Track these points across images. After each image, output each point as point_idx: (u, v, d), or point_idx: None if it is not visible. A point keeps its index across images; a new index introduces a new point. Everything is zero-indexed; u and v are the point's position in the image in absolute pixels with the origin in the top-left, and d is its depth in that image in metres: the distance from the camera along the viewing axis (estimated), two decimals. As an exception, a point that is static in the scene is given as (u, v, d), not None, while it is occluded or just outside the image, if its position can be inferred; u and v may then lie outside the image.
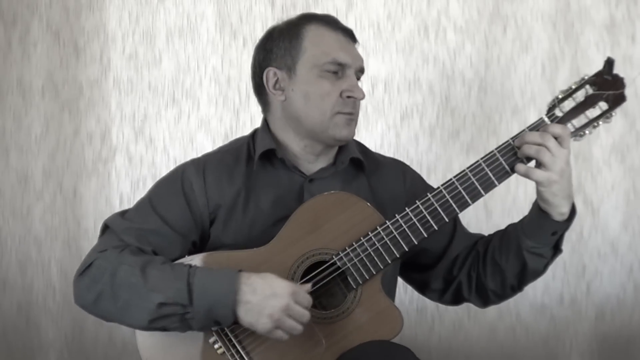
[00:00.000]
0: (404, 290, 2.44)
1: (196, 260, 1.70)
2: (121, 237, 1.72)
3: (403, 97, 2.65)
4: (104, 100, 2.71)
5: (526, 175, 1.64)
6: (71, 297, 2.74)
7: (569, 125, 1.66)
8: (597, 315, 2.65)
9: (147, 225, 1.73)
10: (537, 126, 1.67)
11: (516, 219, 2.47)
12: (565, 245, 2.60)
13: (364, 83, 2.64)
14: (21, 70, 2.72)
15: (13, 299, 2.75)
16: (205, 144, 2.67)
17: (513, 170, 1.68)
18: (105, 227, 1.77)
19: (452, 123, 2.64)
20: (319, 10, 2.63)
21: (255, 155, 1.78)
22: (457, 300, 1.91)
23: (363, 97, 1.77)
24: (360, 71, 1.81)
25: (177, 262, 1.69)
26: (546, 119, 1.66)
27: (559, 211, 1.67)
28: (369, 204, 1.71)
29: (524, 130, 1.67)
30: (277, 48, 1.78)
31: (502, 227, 2.74)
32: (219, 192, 1.76)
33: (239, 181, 1.78)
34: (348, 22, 2.63)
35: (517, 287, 1.82)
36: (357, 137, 2.63)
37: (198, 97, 2.69)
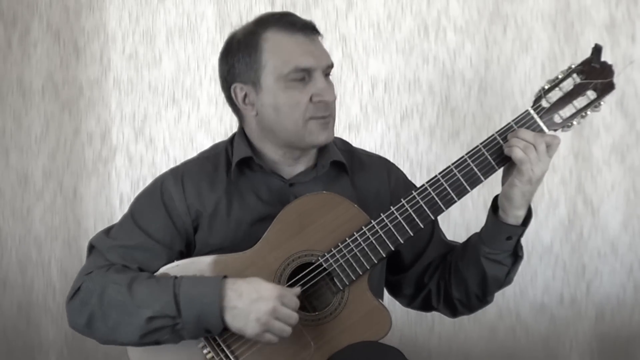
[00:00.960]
0: (404, 290, 2.44)
1: (181, 266, 1.69)
2: (106, 256, 1.72)
3: (403, 97, 2.65)
4: (104, 100, 2.71)
5: (520, 162, 1.60)
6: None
7: (556, 116, 1.63)
8: (597, 315, 2.65)
9: (131, 242, 1.73)
10: (523, 118, 1.64)
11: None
12: (565, 245, 2.64)
13: (364, 83, 2.64)
14: (21, 70, 2.72)
15: (13, 298, 2.75)
16: (205, 144, 2.64)
17: (499, 165, 1.65)
18: (92, 247, 1.77)
19: (452, 123, 2.64)
20: (318, 11, 2.63)
21: (232, 164, 1.77)
22: (425, 308, 1.90)
23: (334, 98, 1.71)
24: (329, 67, 1.73)
25: (162, 274, 1.69)
26: (532, 111, 1.64)
27: (516, 213, 1.66)
28: (354, 203, 1.70)
29: (509, 124, 1.65)
30: (238, 63, 1.73)
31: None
32: (199, 200, 1.76)
33: (220, 188, 1.77)
34: (348, 22, 2.65)
35: (482, 297, 1.80)
36: (357, 137, 2.64)
37: (198, 97, 2.69)
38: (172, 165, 2.62)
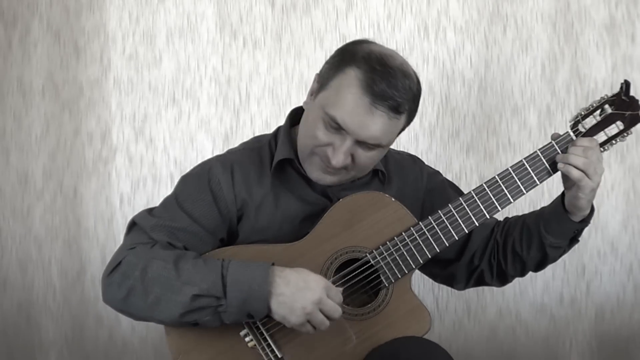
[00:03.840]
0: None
1: (228, 252, 1.70)
2: (150, 234, 1.71)
3: (403, 97, 2.65)
4: (104, 100, 2.71)
5: (579, 180, 1.70)
6: (71, 297, 2.75)
7: None
8: (596, 314, 2.66)
9: (176, 223, 1.72)
10: (564, 139, 1.75)
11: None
12: (565, 245, 2.64)
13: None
14: (21, 70, 2.71)
15: (13, 298, 2.75)
16: (205, 144, 2.67)
17: (550, 173, 1.76)
18: (133, 225, 1.76)
19: (452, 123, 2.65)
20: (318, 11, 2.63)
21: (273, 162, 1.78)
22: (479, 284, 1.97)
23: (338, 166, 1.68)
24: (370, 142, 1.67)
25: (209, 256, 1.69)
26: (572, 133, 1.75)
27: (582, 213, 1.77)
28: (402, 205, 1.74)
29: (550, 143, 1.75)
30: (326, 64, 1.74)
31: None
32: (247, 190, 1.76)
33: (267, 182, 1.78)
34: (348, 22, 2.65)
35: (535, 271, 1.92)
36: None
37: (198, 97, 2.69)
38: (172, 166, 2.65)
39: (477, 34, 2.63)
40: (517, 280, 1.98)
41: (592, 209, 1.79)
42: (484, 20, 2.63)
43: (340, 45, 2.61)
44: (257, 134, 1.91)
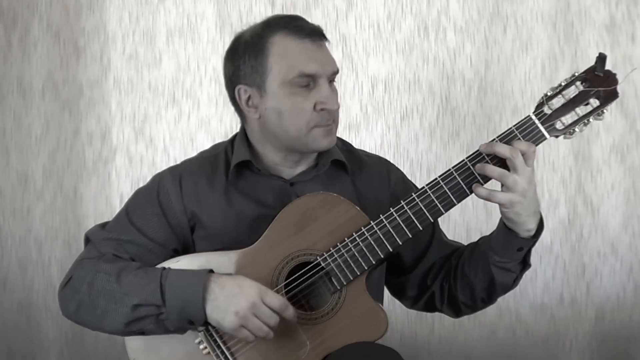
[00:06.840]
0: (404, 290, 2.45)
1: (182, 262, 1.70)
2: (99, 248, 1.75)
3: (403, 97, 2.65)
4: (104, 100, 2.71)
5: (487, 199, 1.60)
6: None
7: (557, 122, 1.61)
8: (597, 315, 2.66)
9: (124, 236, 1.75)
10: (525, 123, 1.62)
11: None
12: (565, 245, 2.64)
13: (364, 83, 2.65)
14: (21, 70, 2.72)
15: (13, 298, 2.75)
16: (205, 144, 2.65)
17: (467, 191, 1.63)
18: (87, 240, 1.80)
19: (452, 123, 2.65)
20: (318, 11, 2.63)
21: (231, 165, 1.77)
22: (429, 309, 1.90)
23: (338, 107, 1.72)
24: (334, 73, 1.74)
25: (155, 266, 1.70)
26: (533, 117, 1.62)
27: (525, 228, 1.64)
28: (354, 204, 1.70)
29: (510, 129, 1.62)
30: (243, 65, 1.72)
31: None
32: (196, 200, 1.77)
33: (219, 189, 1.77)
34: (348, 22, 2.65)
35: (487, 300, 1.80)
36: (357, 137, 2.64)
37: (198, 97, 2.69)
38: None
39: (477, 34, 2.63)
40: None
41: (542, 226, 1.66)
42: (484, 20, 2.63)
43: (340, 44, 2.63)
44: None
